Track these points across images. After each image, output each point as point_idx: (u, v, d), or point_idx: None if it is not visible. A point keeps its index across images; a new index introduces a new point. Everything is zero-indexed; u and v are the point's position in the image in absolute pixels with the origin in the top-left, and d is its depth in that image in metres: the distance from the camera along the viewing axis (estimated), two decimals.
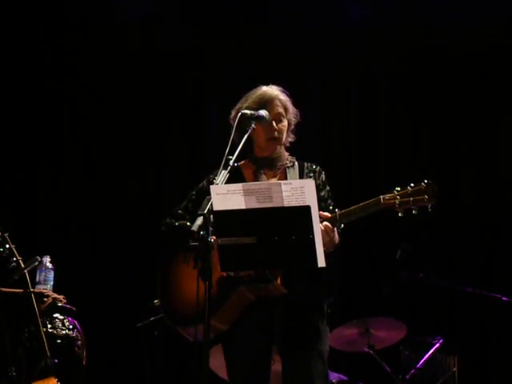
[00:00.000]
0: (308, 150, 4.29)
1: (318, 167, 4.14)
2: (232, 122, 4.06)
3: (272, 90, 4.09)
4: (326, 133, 7.04)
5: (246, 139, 3.82)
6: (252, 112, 3.91)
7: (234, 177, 3.71)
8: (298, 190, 3.47)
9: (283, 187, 3.47)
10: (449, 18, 6.74)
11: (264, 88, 4.11)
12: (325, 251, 3.46)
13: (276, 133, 4.03)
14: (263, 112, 3.94)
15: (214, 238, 3.38)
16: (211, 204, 3.42)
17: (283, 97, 4.09)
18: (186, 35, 6.98)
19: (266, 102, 4.02)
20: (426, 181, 3.69)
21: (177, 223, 4.02)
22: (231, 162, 3.64)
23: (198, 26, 7.05)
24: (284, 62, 6.77)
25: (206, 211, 3.37)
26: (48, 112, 6.99)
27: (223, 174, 3.59)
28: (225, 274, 3.73)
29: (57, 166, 6.95)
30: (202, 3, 7.06)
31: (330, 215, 3.75)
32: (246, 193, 3.46)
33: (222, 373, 4.55)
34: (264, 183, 3.70)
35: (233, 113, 4.10)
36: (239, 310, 3.85)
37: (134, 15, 6.96)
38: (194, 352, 3.64)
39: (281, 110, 4.05)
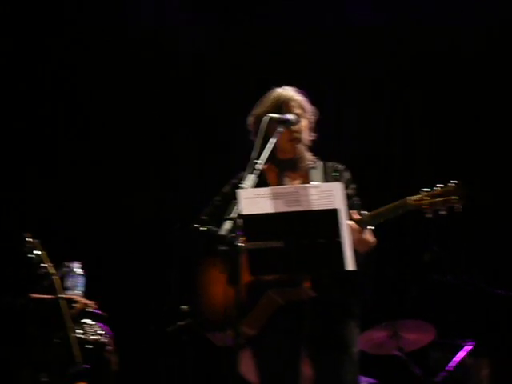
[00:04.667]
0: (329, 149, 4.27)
1: (342, 166, 4.13)
2: (251, 127, 4.07)
3: (286, 92, 4.10)
4: (339, 133, 7.02)
5: (270, 142, 3.82)
6: (280, 116, 3.92)
7: (258, 180, 3.71)
8: (325, 193, 3.47)
9: (311, 191, 3.47)
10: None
11: (278, 90, 4.12)
12: (355, 252, 3.45)
13: (295, 134, 4.03)
14: (290, 115, 3.95)
15: (243, 242, 3.38)
16: (239, 208, 3.42)
17: (298, 97, 4.10)
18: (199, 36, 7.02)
19: (282, 104, 4.03)
20: (454, 181, 3.68)
21: (204, 228, 4.03)
22: (258, 166, 3.64)
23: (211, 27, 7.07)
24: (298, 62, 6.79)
25: (234, 215, 3.38)
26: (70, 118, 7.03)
27: (250, 178, 3.59)
28: (254, 278, 3.73)
29: (85, 173, 6.97)
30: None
31: (357, 214, 3.74)
32: (274, 196, 3.47)
33: (252, 377, 4.55)
34: (291, 187, 3.70)
35: (251, 118, 4.11)
36: (268, 315, 3.85)
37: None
38: (222, 356, 3.65)
39: (297, 110, 4.05)
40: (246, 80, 6.73)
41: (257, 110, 4.11)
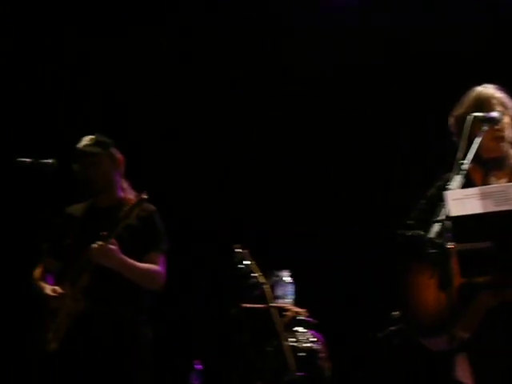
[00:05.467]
0: None
1: None
2: (453, 128, 4.02)
3: (487, 90, 4.00)
4: None
5: (475, 142, 3.75)
6: (484, 114, 3.85)
7: (464, 181, 3.65)
8: None
9: None
10: None
11: (478, 89, 4.03)
12: None
13: (499, 132, 3.94)
14: (495, 113, 3.87)
15: (452, 244, 3.34)
16: (447, 210, 3.38)
17: (499, 94, 3.99)
18: None
19: (483, 103, 3.94)
20: None
21: (410, 233, 4.00)
22: (464, 167, 3.58)
23: None
24: None
25: (442, 217, 3.34)
26: None
27: (457, 179, 3.54)
28: (465, 280, 3.66)
29: (283, 186, 7.03)
30: None
31: None
32: (483, 196, 3.39)
33: (469, 382, 4.45)
34: (500, 186, 3.60)
35: (451, 119, 4.05)
36: (481, 317, 3.77)
37: None
38: (437, 361, 3.60)
39: (499, 108, 3.95)
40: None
41: (457, 111, 4.05)
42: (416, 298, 3.89)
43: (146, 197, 4.42)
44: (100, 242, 4.34)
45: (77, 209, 4.74)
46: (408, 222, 4.05)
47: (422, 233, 3.70)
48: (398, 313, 4.16)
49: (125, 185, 4.71)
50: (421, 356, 5.08)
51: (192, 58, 7.03)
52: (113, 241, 4.36)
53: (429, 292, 3.71)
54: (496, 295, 3.70)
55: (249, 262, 5.61)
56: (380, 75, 6.83)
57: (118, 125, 6.41)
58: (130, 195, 4.67)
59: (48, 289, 4.53)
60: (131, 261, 4.44)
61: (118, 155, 4.67)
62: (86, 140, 4.63)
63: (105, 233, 4.36)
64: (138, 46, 6.92)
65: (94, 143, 4.61)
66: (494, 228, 3.38)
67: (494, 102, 3.96)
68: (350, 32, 6.85)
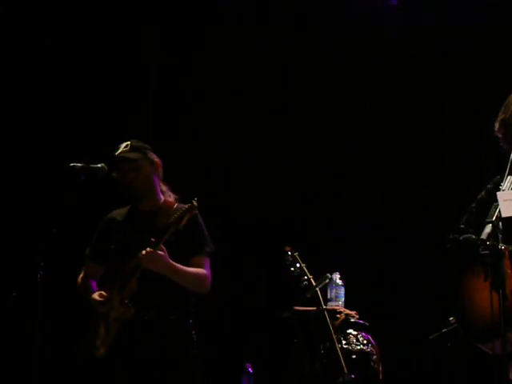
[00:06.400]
0: None
1: None
2: (498, 132, 3.99)
3: None
4: None
5: None
6: None
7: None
8: None
9: None
10: None
11: None
12: None
13: None
14: None
15: (504, 246, 3.31)
16: (499, 211, 3.34)
17: None
18: None
19: None
20: None
21: (461, 237, 3.97)
22: None
23: None
24: None
25: (494, 218, 3.31)
26: None
27: (509, 180, 3.51)
28: None
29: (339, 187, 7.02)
30: None
31: None
32: None
33: None
34: None
35: (496, 124, 4.02)
36: None
37: None
38: (491, 365, 3.56)
39: None
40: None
41: (502, 115, 4.02)
42: (470, 301, 3.85)
43: (196, 204, 4.44)
44: (149, 249, 4.36)
45: (119, 214, 4.77)
46: (459, 226, 4.03)
47: (474, 236, 3.67)
48: (453, 318, 4.11)
49: (164, 188, 4.74)
50: (474, 358, 5.04)
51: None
52: (161, 246, 4.38)
53: (482, 295, 3.67)
54: None
55: (299, 265, 5.61)
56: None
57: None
58: (170, 198, 4.71)
59: (95, 294, 4.58)
60: (180, 265, 4.46)
61: (156, 159, 4.70)
62: (123, 146, 4.66)
63: (153, 239, 4.39)
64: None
65: (132, 149, 4.64)
66: None
67: None
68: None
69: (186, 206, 4.44)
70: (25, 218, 6.39)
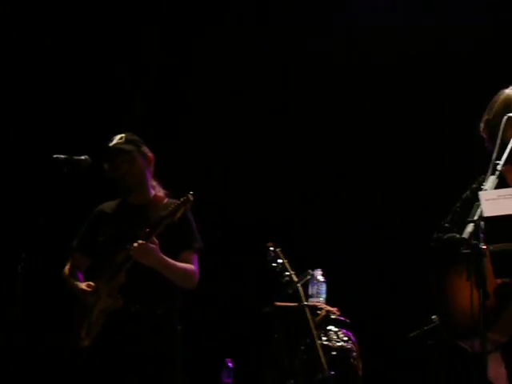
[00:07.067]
0: None
1: None
2: (483, 132, 4.00)
3: None
4: None
5: (510, 143, 3.71)
6: None
7: (497, 182, 3.62)
8: None
9: None
10: None
11: (506, 91, 4.01)
12: None
13: None
14: None
15: (485, 244, 3.32)
16: (481, 210, 3.35)
17: None
18: None
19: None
20: None
21: (445, 236, 3.98)
22: (499, 167, 3.56)
23: None
24: None
25: (476, 218, 3.32)
26: None
27: (491, 180, 3.52)
28: (502, 281, 3.63)
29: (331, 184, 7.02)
30: None
31: None
32: None
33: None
34: None
35: (481, 124, 4.04)
36: None
37: None
38: (469, 361, 3.57)
39: None
40: None
41: (487, 115, 4.03)
42: (453, 299, 3.86)
43: (192, 198, 4.43)
44: (141, 241, 4.35)
45: (108, 206, 4.76)
46: (443, 225, 4.04)
47: (458, 236, 3.68)
48: (436, 316, 4.13)
49: (154, 183, 4.73)
50: (453, 356, 5.05)
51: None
52: (153, 239, 4.37)
53: (464, 294, 3.68)
54: None
55: (282, 261, 5.61)
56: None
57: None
58: (160, 193, 4.70)
59: (82, 284, 4.56)
60: (170, 260, 4.46)
61: (150, 154, 4.69)
62: (118, 138, 4.65)
63: (147, 230, 4.38)
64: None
65: (127, 141, 4.63)
66: None
67: None
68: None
69: (181, 200, 4.43)
70: (6, 209, 6.37)
